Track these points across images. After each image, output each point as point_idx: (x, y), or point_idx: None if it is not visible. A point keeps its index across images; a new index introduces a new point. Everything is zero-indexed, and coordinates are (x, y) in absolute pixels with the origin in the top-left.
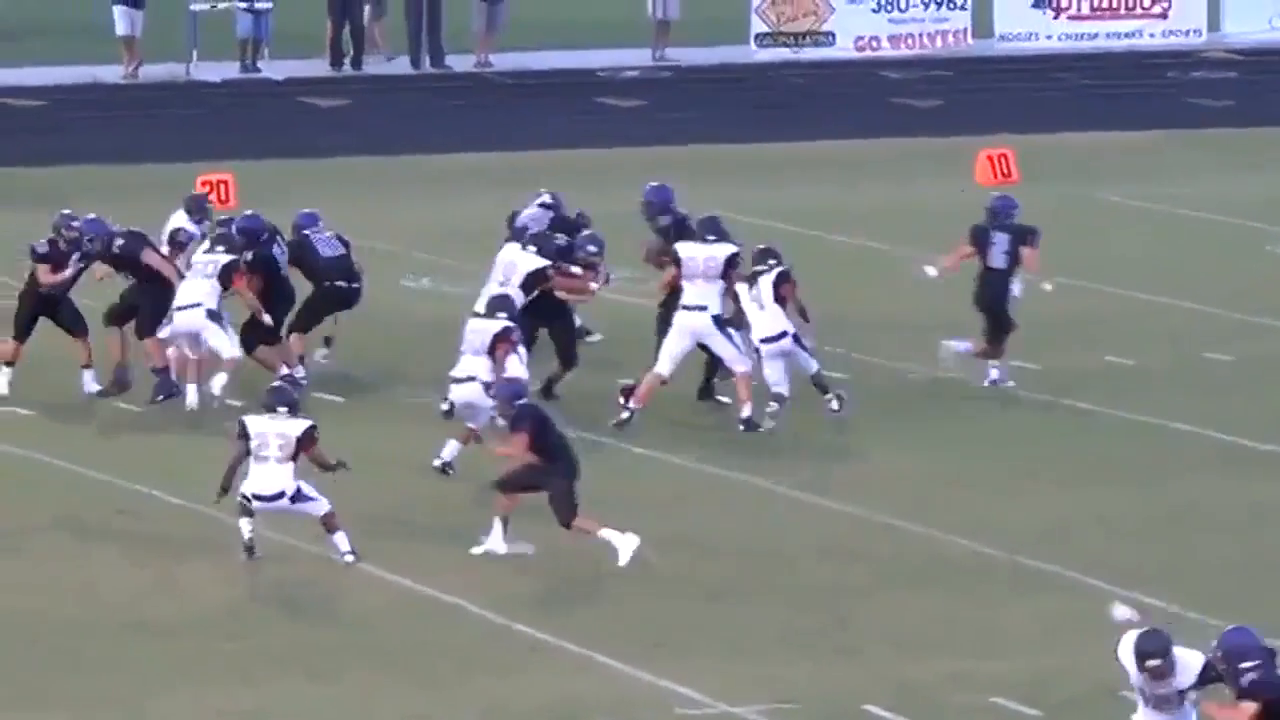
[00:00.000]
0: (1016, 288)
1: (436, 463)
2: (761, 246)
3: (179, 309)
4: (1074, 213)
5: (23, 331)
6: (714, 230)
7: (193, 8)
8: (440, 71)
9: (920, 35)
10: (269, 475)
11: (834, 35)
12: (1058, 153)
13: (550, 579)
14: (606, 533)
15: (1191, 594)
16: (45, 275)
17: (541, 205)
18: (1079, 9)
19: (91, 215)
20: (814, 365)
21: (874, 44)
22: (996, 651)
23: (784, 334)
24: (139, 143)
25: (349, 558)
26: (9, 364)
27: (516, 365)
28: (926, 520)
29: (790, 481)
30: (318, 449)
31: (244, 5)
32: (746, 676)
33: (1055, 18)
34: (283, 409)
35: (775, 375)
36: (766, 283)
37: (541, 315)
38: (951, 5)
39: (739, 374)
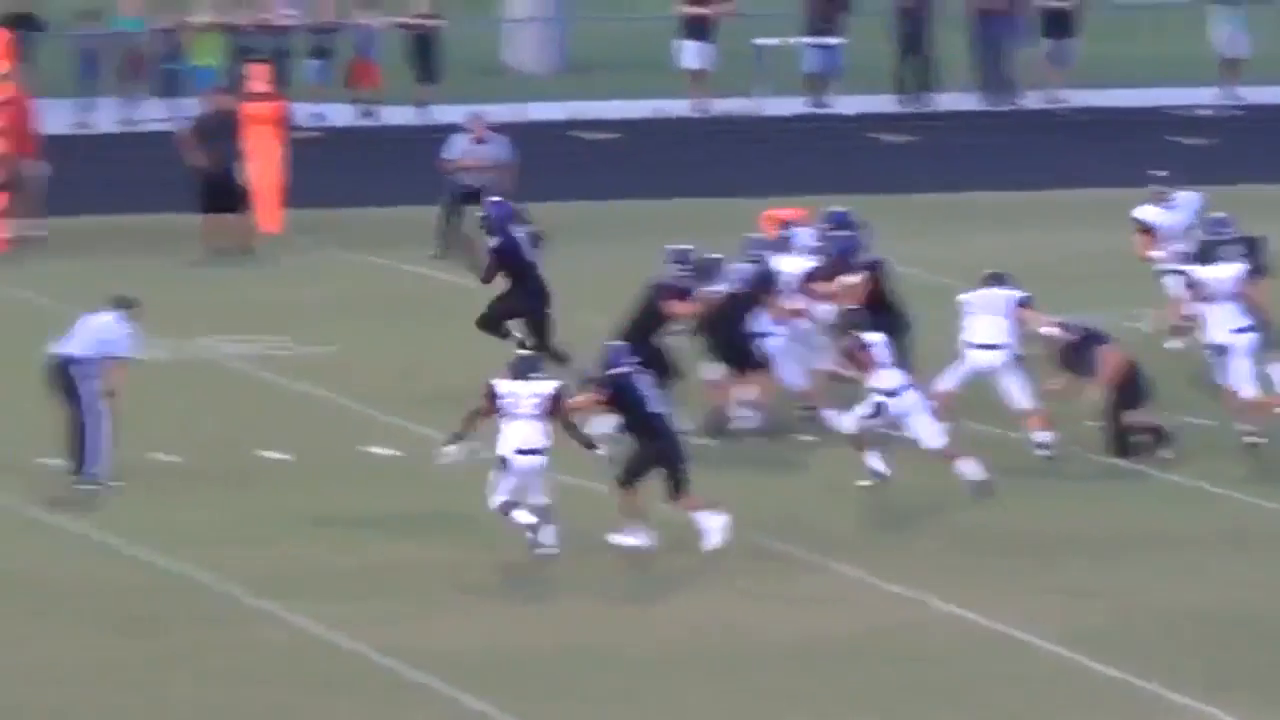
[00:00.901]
0: None
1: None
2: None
3: None
4: None
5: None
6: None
7: (755, 42)
8: (1009, 109)
9: None
10: (524, 431)
11: None
12: None
13: (1114, 613)
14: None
15: None
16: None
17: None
18: None
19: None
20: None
21: None
22: None
23: (1249, 328)
24: (707, 177)
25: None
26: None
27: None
28: None
29: None
30: (567, 410)
31: (811, 40)
32: None
33: None
34: (534, 375)
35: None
36: (1230, 269)
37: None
38: None
39: None
